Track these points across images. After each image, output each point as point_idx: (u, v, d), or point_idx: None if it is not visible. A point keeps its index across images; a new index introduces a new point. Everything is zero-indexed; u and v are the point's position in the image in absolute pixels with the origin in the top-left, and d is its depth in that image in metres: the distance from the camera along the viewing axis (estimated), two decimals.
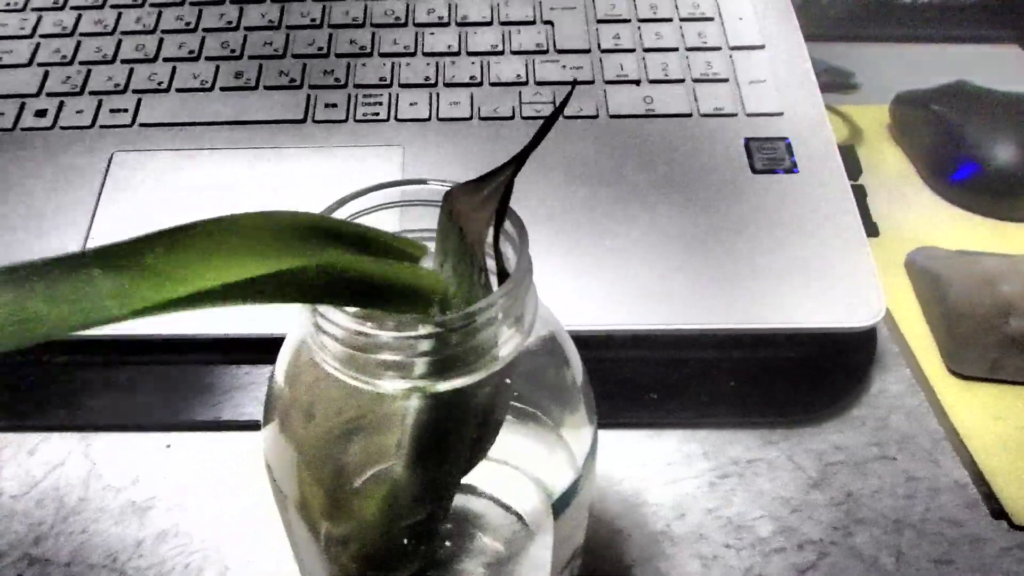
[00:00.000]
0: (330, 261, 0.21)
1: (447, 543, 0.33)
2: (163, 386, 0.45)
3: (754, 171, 0.48)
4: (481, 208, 0.23)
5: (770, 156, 0.49)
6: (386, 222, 0.26)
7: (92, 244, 0.46)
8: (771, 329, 0.42)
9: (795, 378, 0.44)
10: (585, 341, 0.29)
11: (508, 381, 0.25)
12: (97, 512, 0.41)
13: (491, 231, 0.23)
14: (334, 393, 0.27)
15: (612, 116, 0.51)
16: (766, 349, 0.44)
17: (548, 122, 0.23)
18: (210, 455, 0.43)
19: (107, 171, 0.49)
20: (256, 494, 0.40)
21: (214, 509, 0.41)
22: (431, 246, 0.25)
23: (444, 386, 0.23)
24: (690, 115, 0.51)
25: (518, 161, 0.22)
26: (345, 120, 0.51)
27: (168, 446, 0.44)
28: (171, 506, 0.41)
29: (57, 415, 0.45)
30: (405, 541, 0.30)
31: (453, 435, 0.25)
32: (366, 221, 0.26)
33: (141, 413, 0.45)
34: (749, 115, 0.51)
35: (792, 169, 0.48)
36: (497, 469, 0.34)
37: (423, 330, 0.22)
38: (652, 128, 0.50)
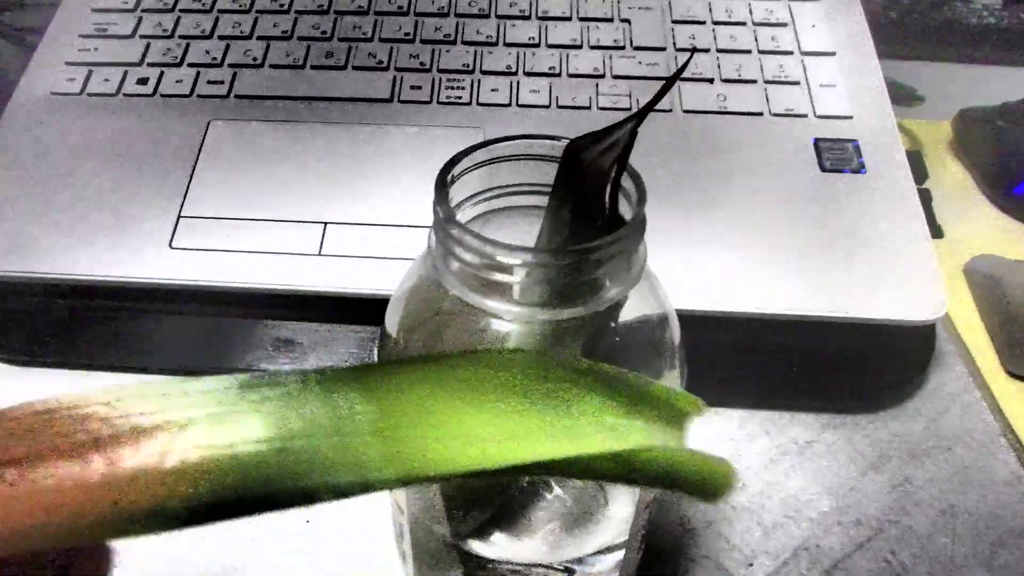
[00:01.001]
0: (640, 451, 0.18)
1: (530, 485, 0.34)
2: (229, 335, 0.48)
3: (823, 170, 0.50)
4: (602, 157, 0.25)
5: (839, 156, 0.50)
6: (507, 175, 0.28)
7: (189, 207, 0.48)
8: (835, 318, 0.44)
9: (855, 368, 0.46)
10: None
11: (612, 325, 0.27)
12: None
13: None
14: (448, 330, 0.29)
15: (686, 111, 0.53)
16: (829, 338, 0.46)
17: (668, 83, 0.25)
18: None
19: (203, 138, 0.52)
20: None
21: None
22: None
23: (556, 314, 0.25)
24: (761, 114, 0.53)
25: (640, 116, 0.24)
26: (429, 102, 0.54)
27: None
28: None
29: (148, 361, 0.47)
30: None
31: None
32: (478, 175, 0.28)
33: (212, 359, 0.47)
34: (819, 117, 0.53)
35: (860, 169, 0.50)
36: None
37: (544, 258, 0.24)
38: (724, 124, 0.52)
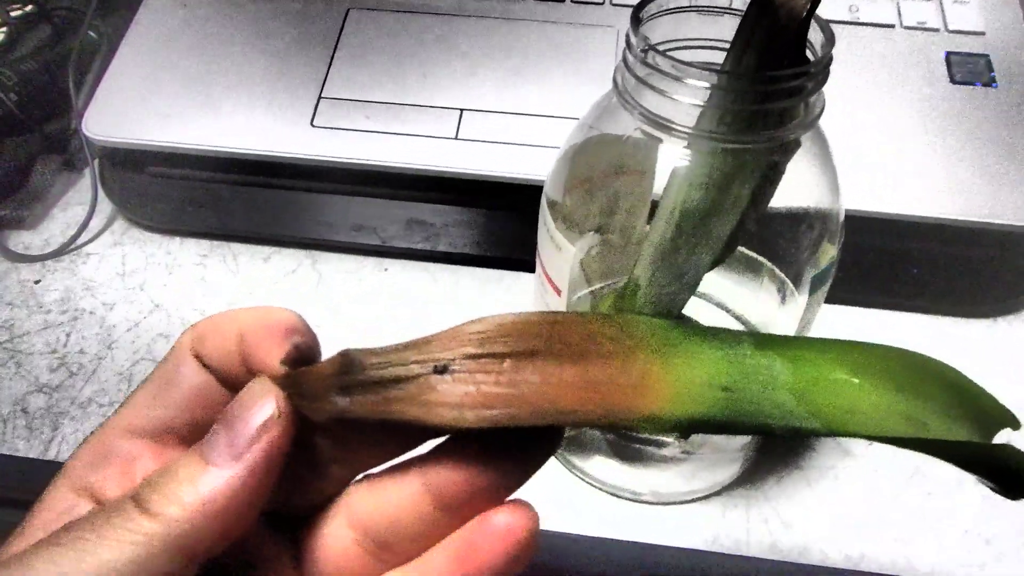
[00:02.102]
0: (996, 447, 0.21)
1: None
2: (364, 213, 0.50)
3: (953, 82, 0.50)
4: None
5: (970, 70, 0.51)
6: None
7: (329, 89, 0.51)
8: (957, 221, 0.45)
9: (975, 273, 0.47)
10: None
11: (782, 170, 0.29)
12: (326, 312, 0.46)
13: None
14: (623, 177, 0.31)
15: None
16: (951, 242, 0.46)
17: None
18: (419, 280, 0.48)
19: (343, 25, 0.54)
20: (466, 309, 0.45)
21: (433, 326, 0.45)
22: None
23: (737, 141, 0.26)
24: (893, 26, 0.53)
25: None
26: (563, 0, 0.55)
27: (385, 270, 0.49)
28: (390, 316, 0.46)
29: (287, 231, 0.50)
30: None
31: (718, 210, 0.29)
32: (663, 23, 0.30)
33: (362, 238, 0.49)
34: (951, 31, 0.53)
35: (991, 83, 0.50)
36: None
37: (736, 82, 0.25)
38: (855, 34, 0.53)
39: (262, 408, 0.19)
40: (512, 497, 0.20)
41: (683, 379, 0.19)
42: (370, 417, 0.19)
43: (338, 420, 0.19)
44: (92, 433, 0.21)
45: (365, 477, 0.22)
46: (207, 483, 0.18)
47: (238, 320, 0.21)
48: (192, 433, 0.21)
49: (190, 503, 0.18)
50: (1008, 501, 0.21)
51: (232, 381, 0.21)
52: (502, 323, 0.19)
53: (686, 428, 0.19)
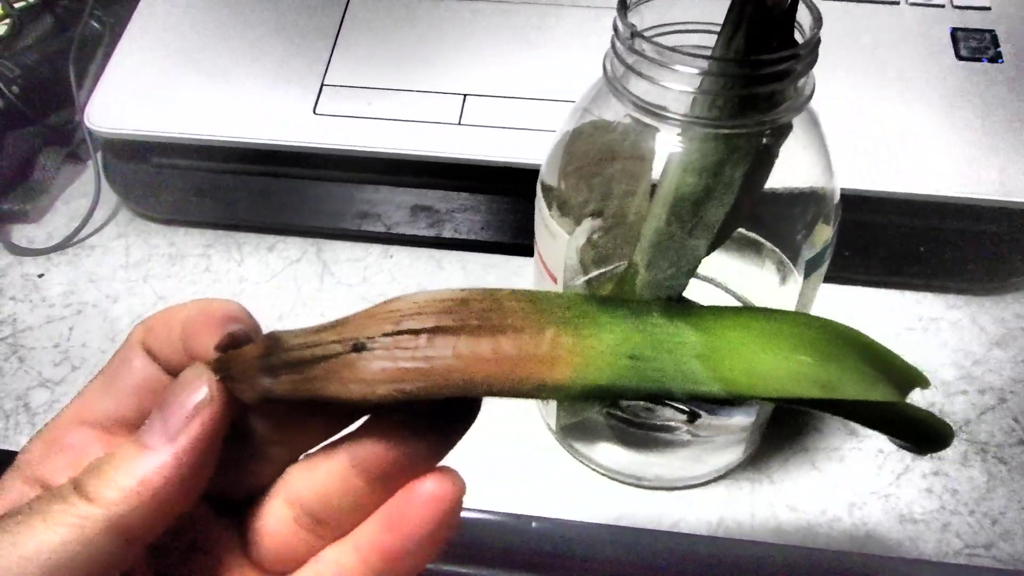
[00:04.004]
0: (897, 404, 0.22)
1: None
2: (369, 200, 0.50)
3: (959, 58, 0.50)
4: None
5: (976, 45, 0.50)
6: None
7: (332, 76, 0.50)
8: (964, 199, 0.44)
9: (981, 250, 0.46)
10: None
11: (775, 153, 0.29)
12: (331, 301, 0.46)
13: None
14: (615, 163, 0.30)
15: None
16: (957, 219, 0.46)
17: None
18: (425, 266, 0.48)
19: (345, 11, 0.54)
20: None
21: None
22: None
23: (728, 126, 0.26)
24: (898, 2, 0.53)
25: None
26: None
27: (391, 257, 0.49)
28: None
29: (292, 220, 0.50)
30: None
31: (712, 195, 0.29)
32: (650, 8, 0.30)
33: (367, 225, 0.49)
34: (956, 7, 0.52)
35: (997, 59, 0.50)
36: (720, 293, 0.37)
37: (724, 66, 0.25)
38: (859, 11, 0.52)
39: (195, 392, 0.20)
40: (442, 465, 0.21)
41: (591, 349, 0.20)
42: (293, 396, 0.20)
43: (266, 400, 0.20)
44: (44, 426, 0.22)
45: (304, 457, 0.22)
46: (142, 466, 0.19)
47: (182, 312, 0.22)
48: (142, 423, 0.22)
49: (125, 485, 0.19)
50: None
51: (177, 371, 0.21)
52: (418, 301, 0.20)
53: (591, 396, 0.20)
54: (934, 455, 0.39)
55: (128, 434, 0.22)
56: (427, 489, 0.20)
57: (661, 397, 0.20)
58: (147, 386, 0.22)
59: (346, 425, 0.22)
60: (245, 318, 0.22)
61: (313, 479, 0.21)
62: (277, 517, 0.22)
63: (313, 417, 0.22)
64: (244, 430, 0.21)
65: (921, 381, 0.22)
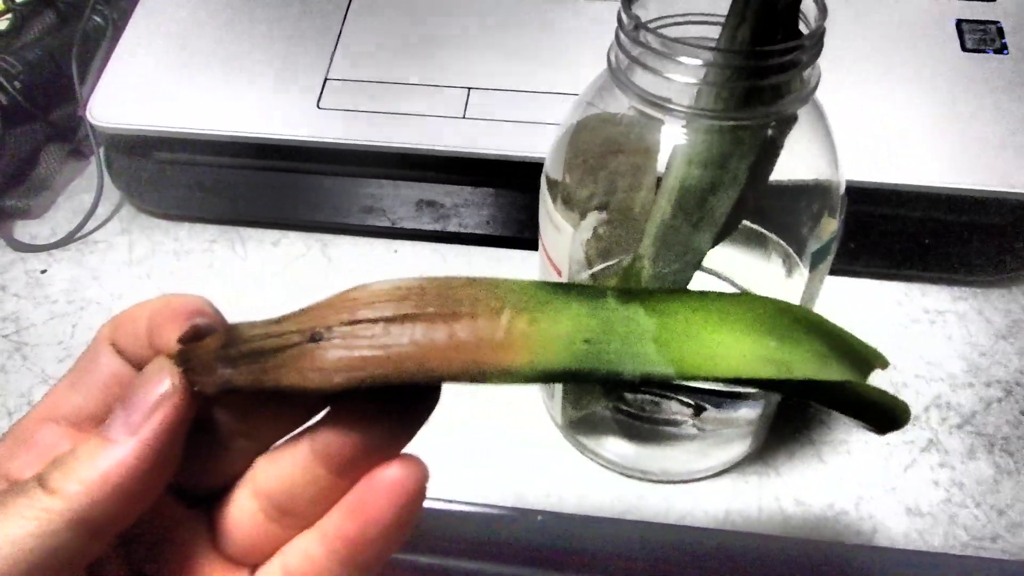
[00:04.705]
0: (851, 383, 0.22)
1: None
2: (374, 195, 0.50)
3: (964, 50, 0.50)
4: None
5: (981, 37, 0.50)
6: None
7: (336, 70, 0.50)
8: (971, 191, 0.44)
9: (987, 242, 0.46)
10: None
11: (780, 145, 0.28)
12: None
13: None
14: (619, 156, 0.30)
15: None
16: (963, 211, 0.46)
17: None
18: (430, 261, 0.48)
19: (348, 5, 0.54)
20: None
21: None
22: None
23: (733, 118, 0.26)
24: None
25: None
26: None
27: (396, 251, 0.49)
28: None
29: (296, 215, 0.50)
30: None
31: (717, 187, 0.28)
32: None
33: (371, 220, 0.49)
34: None
35: (1002, 51, 0.49)
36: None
37: (730, 57, 0.25)
38: (864, 2, 0.52)
39: (158, 384, 0.20)
40: (404, 453, 0.21)
41: (546, 334, 0.20)
42: (253, 386, 0.20)
43: (226, 391, 0.20)
44: (15, 423, 0.22)
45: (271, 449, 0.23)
46: (105, 459, 0.19)
47: (148, 308, 0.22)
48: None
49: (87, 478, 0.19)
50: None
51: (144, 366, 0.22)
52: (375, 290, 0.20)
53: (545, 379, 0.20)
54: (941, 448, 0.39)
55: None
56: (388, 476, 0.20)
57: (614, 380, 0.20)
58: (115, 381, 0.22)
59: (312, 416, 0.22)
60: (210, 312, 0.22)
61: (277, 470, 0.21)
62: (244, 509, 0.22)
63: (276, 408, 0.22)
64: (210, 423, 0.22)
65: (879, 360, 0.23)
